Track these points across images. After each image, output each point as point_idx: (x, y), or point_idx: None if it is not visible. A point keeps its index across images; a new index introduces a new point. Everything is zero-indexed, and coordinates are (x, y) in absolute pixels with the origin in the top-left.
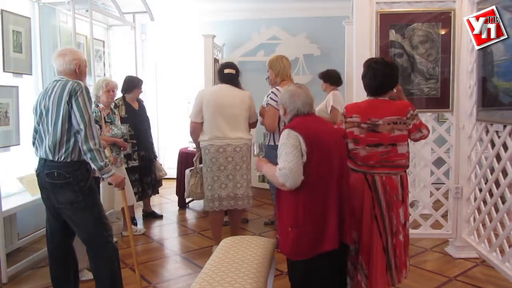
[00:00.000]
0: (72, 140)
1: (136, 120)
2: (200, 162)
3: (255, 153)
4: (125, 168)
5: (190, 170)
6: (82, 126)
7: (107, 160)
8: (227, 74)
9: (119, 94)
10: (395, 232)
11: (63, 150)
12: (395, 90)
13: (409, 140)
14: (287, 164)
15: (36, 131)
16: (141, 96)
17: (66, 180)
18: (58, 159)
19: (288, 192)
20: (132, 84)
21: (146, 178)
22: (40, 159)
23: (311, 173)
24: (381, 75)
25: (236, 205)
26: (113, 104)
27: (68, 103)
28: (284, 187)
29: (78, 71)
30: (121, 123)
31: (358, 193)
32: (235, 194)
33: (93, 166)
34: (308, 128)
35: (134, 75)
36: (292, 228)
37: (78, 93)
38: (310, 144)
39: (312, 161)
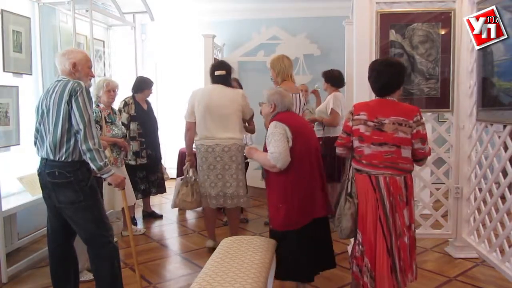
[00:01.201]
0: (73, 140)
1: (145, 120)
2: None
3: (246, 143)
4: (133, 165)
5: (181, 179)
6: (81, 126)
7: (106, 160)
8: (218, 76)
9: (120, 95)
10: (400, 234)
11: (64, 149)
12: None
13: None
14: (277, 149)
15: (37, 131)
16: None
17: (67, 180)
18: (59, 158)
19: (277, 174)
20: (144, 85)
21: (151, 176)
22: (42, 158)
23: (296, 156)
24: (384, 75)
25: (225, 203)
26: (123, 102)
27: (68, 103)
28: (275, 168)
29: (73, 70)
30: (131, 121)
31: (362, 194)
32: (224, 193)
33: (92, 166)
34: (292, 121)
35: (134, 75)
36: (283, 204)
37: (78, 93)
38: (294, 133)
39: (296, 146)
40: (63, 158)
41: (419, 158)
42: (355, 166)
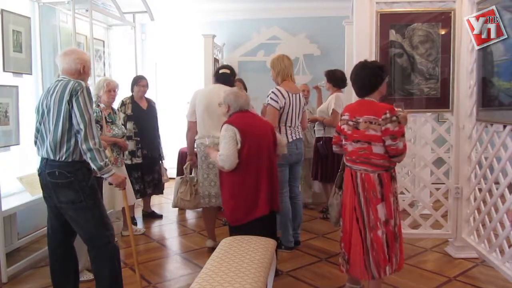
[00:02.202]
0: (73, 140)
1: (142, 119)
2: (190, 171)
3: (207, 143)
4: (129, 164)
5: (181, 178)
6: (82, 126)
7: (107, 160)
8: (221, 74)
9: (120, 94)
10: (373, 227)
11: (64, 149)
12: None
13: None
14: (225, 151)
15: (38, 130)
16: None
17: (67, 180)
18: (59, 158)
19: (227, 173)
20: (132, 82)
21: (147, 176)
22: (42, 158)
23: (244, 157)
24: (359, 78)
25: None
26: (121, 102)
27: (69, 103)
28: (223, 169)
29: (82, 71)
30: (127, 120)
31: (345, 186)
32: None
33: (92, 166)
34: (243, 123)
35: (134, 75)
36: (230, 200)
37: (79, 93)
38: (244, 135)
39: (245, 148)
40: (63, 158)
41: (391, 155)
42: (344, 161)
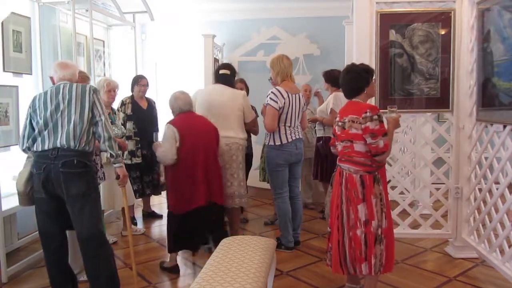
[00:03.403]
0: (92, 130)
1: (142, 119)
2: None
3: (155, 140)
4: (129, 164)
5: None
6: (103, 117)
7: (119, 151)
8: (222, 75)
9: (119, 95)
10: (352, 226)
11: (85, 137)
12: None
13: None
14: (164, 148)
15: (45, 123)
16: None
17: (84, 169)
18: (78, 146)
19: (169, 167)
20: (132, 82)
21: (146, 177)
22: (51, 149)
23: (183, 154)
24: (345, 81)
25: (226, 203)
26: (121, 102)
27: (93, 95)
28: (164, 163)
29: (77, 80)
30: (127, 120)
31: (335, 184)
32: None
33: (110, 152)
34: (183, 123)
35: (134, 75)
36: (172, 192)
37: (97, 92)
38: (183, 134)
39: (184, 146)
40: (82, 145)
41: (373, 153)
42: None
